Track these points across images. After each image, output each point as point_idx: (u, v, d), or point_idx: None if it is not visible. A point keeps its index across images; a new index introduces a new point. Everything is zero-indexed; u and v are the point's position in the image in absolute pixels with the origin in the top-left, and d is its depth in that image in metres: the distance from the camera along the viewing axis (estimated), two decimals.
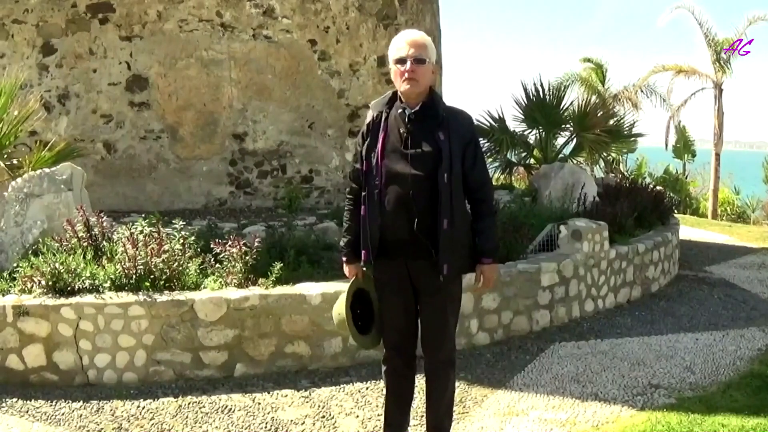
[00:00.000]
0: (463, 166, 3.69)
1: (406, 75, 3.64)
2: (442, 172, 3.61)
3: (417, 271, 3.77)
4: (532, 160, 12.86)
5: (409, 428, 4.16)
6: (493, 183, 12.89)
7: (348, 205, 3.93)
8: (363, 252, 3.78)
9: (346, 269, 3.98)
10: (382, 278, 3.86)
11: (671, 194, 11.80)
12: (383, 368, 4.00)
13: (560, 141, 12.97)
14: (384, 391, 4.06)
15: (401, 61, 3.66)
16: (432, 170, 3.62)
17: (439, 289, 3.76)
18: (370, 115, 3.82)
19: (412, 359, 3.99)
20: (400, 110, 3.72)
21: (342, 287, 4.11)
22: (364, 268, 3.91)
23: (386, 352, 3.96)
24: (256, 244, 5.73)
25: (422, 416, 4.68)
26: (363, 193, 3.75)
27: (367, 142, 3.76)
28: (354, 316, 3.91)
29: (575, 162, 12.72)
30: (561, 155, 12.69)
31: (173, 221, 6.04)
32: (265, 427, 4.58)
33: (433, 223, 3.63)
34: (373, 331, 3.97)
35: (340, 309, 3.89)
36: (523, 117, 12.45)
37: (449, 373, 3.94)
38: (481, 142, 12.81)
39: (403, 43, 3.69)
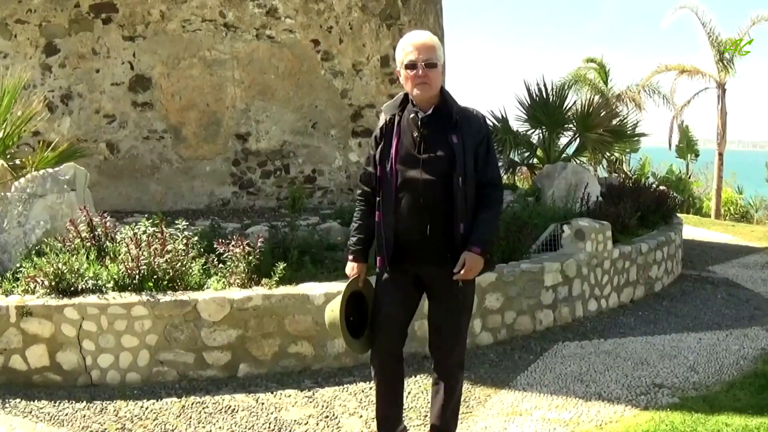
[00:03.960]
0: (475, 165, 3.66)
1: (419, 80, 3.59)
2: (457, 176, 3.58)
3: (431, 277, 3.75)
4: (535, 160, 12.86)
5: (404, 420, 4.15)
6: None
7: (360, 206, 3.90)
8: (378, 259, 3.75)
9: (350, 267, 3.91)
10: (391, 284, 3.80)
11: (674, 194, 11.76)
12: (374, 369, 3.95)
13: (563, 141, 12.98)
14: (376, 392, 4.01)
15: (411, 65, 3.60)
16: (446, 174, 3.59)
17: (454, 293, 3.73)
18: (382, 119, 3.78)
19: (402, 355, 3.96)
20: (412, 114, 3.67)
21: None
22: (367, 273, 3.90)
23: (379, 354, 3.90)
24: (259, 244, 5.73)
25: (426, 416, 4.69)
26: (378, 199, 3.72)
27: (380, 147, 3.72)
28: (347, 319, 3.87)
29: (578, 162, 12.70)
30: (564, 155, 12.69)
31: (176, 221, 6.04)
32: (269, 428, 4.58)
33: (448, 227, 3.61)
34: (365, 336, 3.92)
35: (333, 310, 3.84)
36: (526, 117, 12.45)
37: (459, 376, 3.94)
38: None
39: (411, 46, 3.63)
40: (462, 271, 3.61)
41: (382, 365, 3.92)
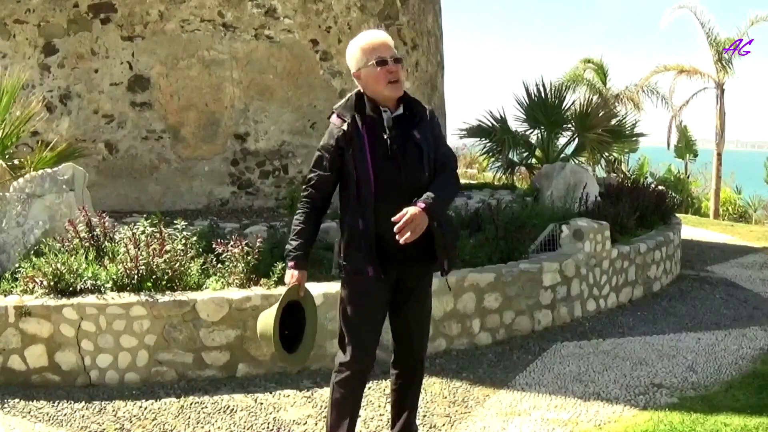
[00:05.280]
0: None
1: (391, 77, 3.52)
2: (426, 171, 3.57)
3: (413, 277, 3.71)
4: (533, 160, 12.86)
5: None
6: (495, 183, 12.96)
7: (305, 208, 3.69)
8: (370, 267, 3.55)
9: (290, 275, 3.68)
10: (375, 290, 3.66)
11: (673, 194, 11.78)
12: (348, 379, 3.74)
13: (562, 141, 12.98)
14: (342, 405, 3.79)
15: (383, 62, 3.52)
16: (419, 171, 3.57)
17: (428, 290, 3.77)
18: (344, 123, 3.58)
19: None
20: (386, 114, 3.58)
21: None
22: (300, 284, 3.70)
23: (362, 363, 3.73)
24: (258, 244, 5.73)
25: (424, 416, 4.69)
26: (357, 208, 3.56)
27: (352, 150, 3.54)
28: (281, 332, 3.63)
29: (577, 162, 12.71)
30: (563, 155, 12.69)
31: (175, 221, 6.04)
32: (267, 428, 4.58)
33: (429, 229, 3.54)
34: (300, 351, 3.75)
35: (267, 321, 3.62)
36: (524, 117, 12.45)
37: (423, 373, 4.00)
38: (483, 143, 12.53)
39: (376, 42, 3.56)
40: (400, 220, 3.39)
41: (360, 375, 3.76)
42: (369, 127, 3.57)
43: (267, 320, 3.63)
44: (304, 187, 3.73)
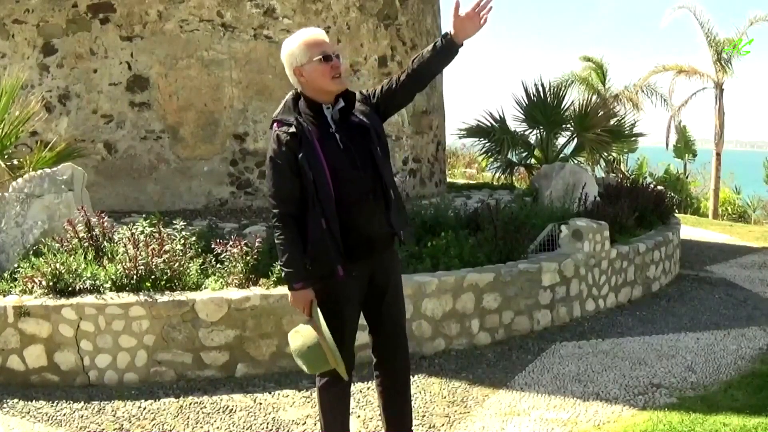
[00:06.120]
0: (380, 110, 3.65)
1: (335, 72, 3.50)
2: (376, 143, 3.54)
3: (383, 264, 3.66)
4: (532, 160, 12.89)
5: None
6: (494, 183, 12.97)
7: (289, 224, 3.49)
8: (340, 267, 3.45)
9: (304, 296, 3.51)
10: (350, 293, 3.60)
11: (672, 194, 11.79)
12: (326, 383, 3.69)
13: (561, 141, 13.01)
14: (329, 410, 3.76)
15: (328, 57, 3.49)
16: (371, 149, 3.53)
17: (400, 284, 3.76)
18: (290, 127, 3.49)
19: None
20: (328, 110, 3.55)
21: None
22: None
23: (348, 370, 3.64)
24: (257, 244, 5.73)
25: (423, 416, 4.69)
26: (317, 209, 3.43)
27: (303, 152, 3.43)
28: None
29: (576, 162, 12.74)
30: (562, 155, 12.72)
31: (174, 221, 6.05)
32: (267, 428, 4.58)
33: (386, 201, 3.55)
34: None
35: (310, 340, 3.46)
36: (523, 117, 12.49)
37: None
38: (483, 143, 12.50)
39: (318, 39, 3.54)
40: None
41: (344, 380, 3.68)
42: (314, 126, 3.52)
43: (310, 340, 3.48)
44: (274, 204, 3.52)
